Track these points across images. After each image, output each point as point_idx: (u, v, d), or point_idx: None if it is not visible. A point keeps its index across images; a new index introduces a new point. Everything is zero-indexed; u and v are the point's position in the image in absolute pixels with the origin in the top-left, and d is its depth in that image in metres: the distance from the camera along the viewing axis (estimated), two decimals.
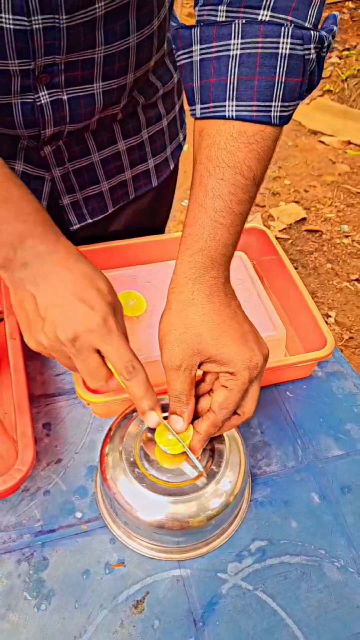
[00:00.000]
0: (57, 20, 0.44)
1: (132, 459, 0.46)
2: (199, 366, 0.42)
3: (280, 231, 1.99)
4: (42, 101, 0.50)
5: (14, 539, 0.47)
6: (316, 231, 2.00)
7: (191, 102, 0.44)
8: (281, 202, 2.11)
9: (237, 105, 0.40)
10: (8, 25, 0.43)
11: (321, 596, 0.45)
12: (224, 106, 0.40)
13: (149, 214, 0.73)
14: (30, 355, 0.60)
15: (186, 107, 0.47)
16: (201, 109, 0.42)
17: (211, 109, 0.41)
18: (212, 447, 0.47)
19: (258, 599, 0.45)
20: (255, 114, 0.40)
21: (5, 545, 0.47)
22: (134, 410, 0.50)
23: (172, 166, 0.72)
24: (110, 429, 0.50)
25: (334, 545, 0.48)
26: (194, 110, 0.43)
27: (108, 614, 0.44)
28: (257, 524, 0.50)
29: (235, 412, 0.43)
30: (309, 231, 2.00)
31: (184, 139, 0.74)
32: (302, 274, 1.79)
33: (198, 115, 0.43)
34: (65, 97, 0.51)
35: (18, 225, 0.42)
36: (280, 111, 0.40)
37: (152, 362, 0.56)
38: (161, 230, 0.81)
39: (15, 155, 0.57)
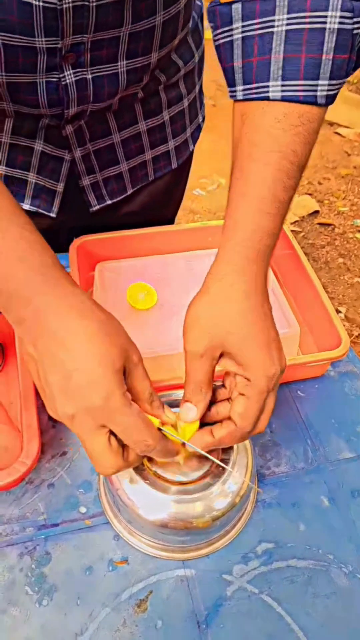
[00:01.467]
0: (86, 0, 0.43)
1: None
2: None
3: (292, 224, 1.96)
4: (67, 80, 0.50)
5: (17, 532, 0.47)
6: (329, 225, 1.97)
7: (231, 84, 0.42)
8: None
9: (282, 85, 0.38)
10: (37, 3, 0.42)
11: (328, 602, 0.44)
12: (268, 87, 0.39)
13: (164, 197, 0.72)
14: None
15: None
16: (243, 90, 0.40)
17: (254, 90, 0.39)
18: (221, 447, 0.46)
19: (263, 603, 0.44)
20: (301, 93, 0.38)
21: (8, 538, 0.46)
22: None
23: (191, 148, 0.71)
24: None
25: (342, 550, 0.47)
26: (235, 91, 0.41)
27: (110, 612, 0.43)
28: (264, 525, 0.48)
29: None
30: (321, 224, 1.97)
31: (203, 120, 0.73)
32: (313, 268, 1.76)
33: (239, 97, 0.41)
34: (89, 77, 0.51)
35: (13, 268, 0.35)
36: (327, 90, 0.38)
37: (162, 357, 0.55)
38: (172, 217, 0.80)
39: (35, 134, 0.56)
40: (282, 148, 0.38)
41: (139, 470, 0.44)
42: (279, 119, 0.38)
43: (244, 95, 0.40)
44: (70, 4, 0.43)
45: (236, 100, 0.41)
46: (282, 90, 0.38)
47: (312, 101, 0.38)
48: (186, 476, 0.44)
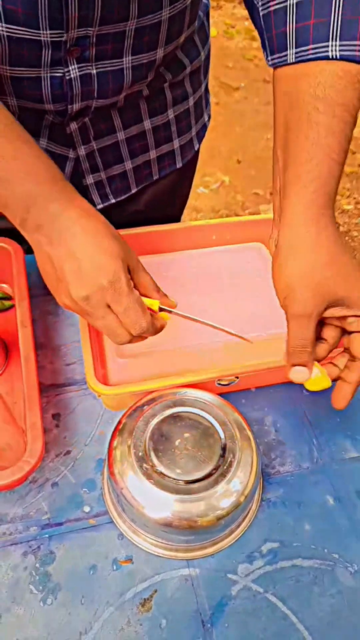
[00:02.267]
0: None
1: (140, 454, 0.45)
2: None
3: None
4: (72, 75, 0.50)
5: (21, 531, 0.46)
6: None
7: (281, 48, 0.43)
8: None
9: (340, 45, 0.40)
10: None
11: (333, 601, 0.44)
12: (327, 46, 0.40)
13: (169, 196, 0.72)
14: (40, 344, 0.59)
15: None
16: (297, 52, 0.42)
17: (311, 51, 0.41)
18: (224, 446, 0.46)
19: (268, 602, 0.44)
20: (358, 53, 0.40)
21: (12, 537, 0.46)
22: (145, 404, 0.49)
23: (196, 147, 0.71)
24: (119, 422, 0.48)
25: (348, 549, 0.47)
26: (284, 56, 0.43)
27: (114, 611, 0.43)
28: (269, 525, 0.48)
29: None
30: None
31: (209, 119, 0.72)
32: None
33: (291, 60, 0.42)
34: (94, 72, 0.51)
35: (29, 185, 0.41)
36: None
37: (172, 351, 0.55)
38: (178, 216, 0.79)
39: (40, 132, 0.56)
40: (346, 101, 0.40)
41: (144, 469, 0.44)
42: (340, 76, 0.40)
43: (298, 57, 0.42)
44: None
45: (284, 65, 0.43)
46: (340, 50, 0.40)
47: None
48: (191, 475, 0.44)
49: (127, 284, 0.42)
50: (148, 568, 0.45)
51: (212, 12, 2.83)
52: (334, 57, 0.40)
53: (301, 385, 0.58)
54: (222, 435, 0.47)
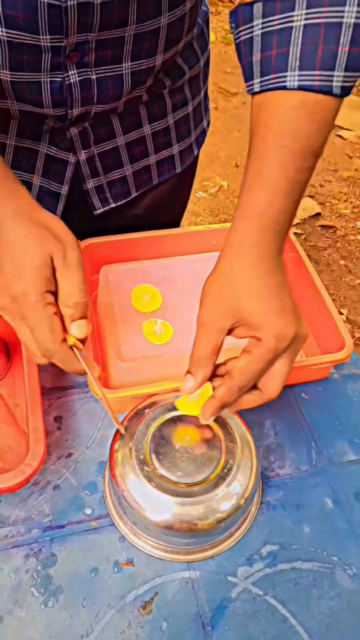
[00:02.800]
0: None
1: (142, 457, 0.46)
2: (229, 332, 0.41)
3: (294, 226, 1.97)
4: (71, 80, 0.50)
5: (22, 534, 0.47)
6: (330, 227, 1.97)
7: (249, 78, 0.43)
8: None
9: (299, 75, 0.40)
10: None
11: (332, 604, 0.45)
12: (286, 76, 0.40)
13: (169, 200, 0.73)
14: None
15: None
16: (261, 81, 0.42)
17: (272, 81, 0.41)
18: (224, 449, 0.46)
19: (268, 605, 0.44)
20: (317, 83, 0.40)
21: (14, 539, 0.46)
22: (146, 407, 0.49)
23: (195, 152, 0.72)
24: (121, 425, 0.49)
25: (347, 552, 0.47)
26: (252, 85, 0.43)
27: (116, 614, 0.43)
28: (268, 527, 0.49)
29: (256, 387, 0.41)
30: (323, 227, 1.98)
31: (208, 125, 0.73)
32: (315, 270, 1.77)
33: (256, 89, 0.43)
34: (94, 77, 0.51)
35: None
36: (343, 81, 0.40)
37: (173, 354, 0.56)
38: (177, 221, 0.80)
39: (40, 136, 0.57)
40: (297, 133, 0.40)
41: (145, 472, 0.45)
42: (294, 106, 0.40)
43: (262, 86, 0.42)
44: (75, 2, 0.43)
45: (253, 93, 0.43)
46: (299, 80, 0.40)
47: (327, 91, 0.40)
48: (191, 478, 0.45)
49: (36, 297, 0.38)
50: (149, 570, 0.46)
51: (211, 18, 2.83)
52: (292, 87, 0.40)
53: (300, 389, 0.59)
54: (222, 439, 0.47)
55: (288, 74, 0.40)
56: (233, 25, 0.44)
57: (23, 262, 0.39)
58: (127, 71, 0.53)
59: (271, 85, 0.41)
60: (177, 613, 0.43)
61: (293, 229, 2.07)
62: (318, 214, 2.01)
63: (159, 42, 0.52)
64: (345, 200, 2.08)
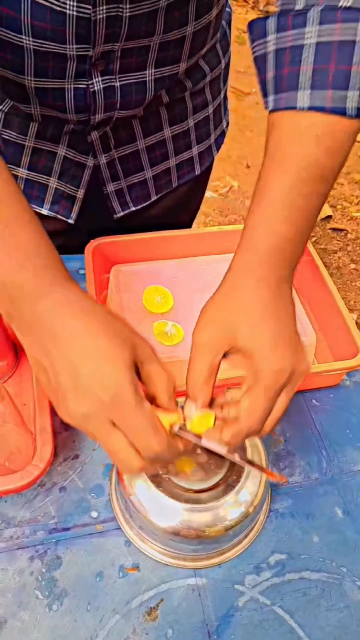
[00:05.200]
0: (120, 10, 0.44)
1: None
2: (224, 356, 0.39)
3: None
4: (96, 87, 0.50)
5: (28, 535, 0.46)
6: (341, 230, 1.96)
7: (264, 94, 0.42)
8: None
9: (310, 95, 0.38)
10: (71, 12, 0.42)
11: (341, 616, 0.44)
12: (296, 97, 0.38)
13: (185, 202, 0.72)
14: None
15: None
16: (274, 100, 0.41)
17: (283, 100, 0.40)
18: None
19: (275, 615, 0.43)
20: (329, 104, 0.38)
21: (19, 541, 0.46)
22: None
23: (215, 154, 0.71)
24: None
25: (356, 563, 0.47)
26: (267, 102, 0.42)
27: (120, 619, 0.43)
28: (277, 536, 0.48)
29: None
30: (333, 230, 1.96)
31: (227, 125, 0.72)
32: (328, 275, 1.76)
33: (270, 107, 0.41)
34: (117, 84, 0.51)
35: (13, 273, 0.35)
36: (358, 102, 0.38)
37: (179, 361, 0.55)
38: (190, 222, 0.79)
39: (59, 139, 0.56)
40: (305, 158, 0.38)
41: (153, 476, 0.44)
42: (301, 130, 0.39)
43: (274, 105, 0.41)
44: (104, 15, 0.43)
45: (270, 111, 0.42)
46: (310, 100, 0.38)
47: (340, 112, 0.38)
48: (199, 485, 0.44)
49: (133, 397, 0.34)
50: (155, 576, 0.45)
51: None
52: (303, 107, 0.38)
53: (311, 395, 0.58)
54: None
55: (299, 93, 0.38)
56: (251, 38, 0.43)
57: (107, 361, 0.34)
58: (150, 78, 0.52)
59: (282, 105, 0.40)
60: (183, 620, 0.43)
61: None
62: (329, 217, 2.00)
63: (184, 49, 0.52)
64: (357, 203, 2.06)
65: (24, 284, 0.35)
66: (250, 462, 0.43)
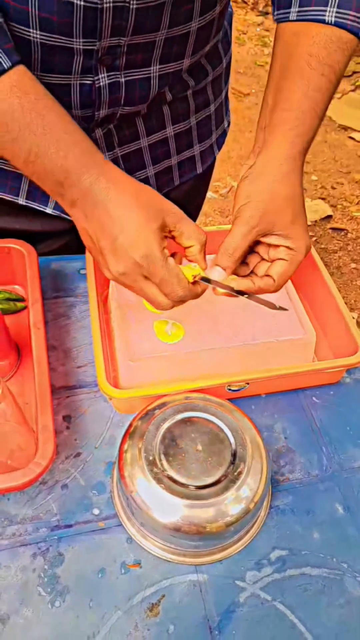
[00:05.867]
0: (127, 1, 0.44)
1: (151, 458, 0.45)
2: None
3: None
4: (101, 83, 0.51)
5: (30, 532, 0.47)
6: (341, 230, 1.96)
7: (286, 5, 0.47)
8: (307, 198, 2.07)
9: (337, 12, 0.45)
10: (79, 2, 0.43)
11: (342, 611, 0.44)
12: (325, 11, 0.45)
13: (186, 201, 0.72)
14: (52, 346, 0.60)
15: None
16: (299, 11, 0.46)
17: (311, 12, 0.45)
18: (234, 452, 0.46)
19: (276, 610, 0.44)
20: (350, 23, 0.45)
21: (21, 538, 0.46)
22: (156, 408, 0.49)
23: (216, 153, 0.72)
24: (130, 425, 0.48)
25: (357, 559, 0.47)
26: (287, 13, 0.47)
27: (122, 615, 0.43)
28: (277, 532, 0.48)
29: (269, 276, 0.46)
30: (334, 229, 1.96)
31: (228, 125, 0.73)
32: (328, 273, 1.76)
33: (293, 18, 0.47)
34: (122, 80, 0.51)
35: (59, 160, 0.42)
36: None
37: (183, 355, 0.55)
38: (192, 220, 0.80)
39: None
40: (334, 64, 0.45)
41: (154, 473, 0.44)
42: (332, 40, 0.45)
43: (299, 15, 0.46)
44: (111, 4, 0.44)
45: (286, 21, 0.47)
46: (336, 16, 0.45)
47: (356, 32, 0.45)
48: (201, 481, 0.44)
49: (160, 256, 0.42)
50: (156, 573, 0.45)
51: None
52: (329, 22, 0.45)
53: (311, 393, 0.59)
54: (233, 441, 0.47)
55: (327, 9, 0.44)
56: None
57: (138, 227, 0.42)
58: (155, 74, 0.53)
59: (310, 16, 0.45)
60: (184, 616, 0.43)
61: None
62: (329, 217, 2.00)
63: (188, 45, 0.53)
64: (357, 203, 2.06)
65: (68, 168, 0.42)
66: (250, 296, 0.48)
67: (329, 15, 0.45)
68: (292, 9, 0.46)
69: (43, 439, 0.45)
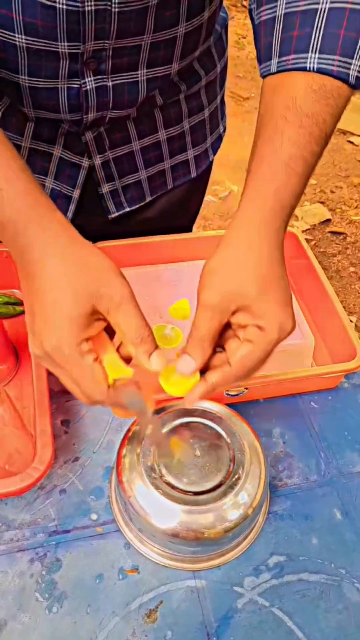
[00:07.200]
0: (108, 4, 0.44)
1: (149, 463, 0.45)
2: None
3: (303, 232, 1.96)
4: (88, 87, 0.51)
5: (28, 538, 0.46)
6: (340, 233, 1.97)
7: (266, 58, 0.43)
8: (306, 202, 2.07)
9: (319, 58, 0.40)
10: (61, 6, 0.43)
11: (340, 617, 0.44)
12: (306, 58, 0.40)
13: (182, 204, 0.73)
14: None
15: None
16: (279, 62, 0.42)
17: (291, 61, 0.41)
18: (232, 457, 0.46)
19: (274, 616, 0.44)
20: (336, 68, 0.40)
21: (19, 543, 0.46)
22: (157, 412, 0.49)
23: (211, 158, 0.72)
24: (129, 430, 0.48)
25: (355, 565, 0.47)
26: (268, 66, 0.43)
27: (120, 621, 0.43)
28: (275, 538, 0.48)
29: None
30: (333, 233, 1.97)
31: (224, 130, 0.73)
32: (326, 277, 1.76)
33: (273, 70, 0.42)
34: (110, 84, 0.52)
35: (8, 210, 0.37)
36: (359, 71, 0.40)
37: None
38: (189, 225, 0.80)
39: (55, 140, 0.57)
40: (315, 115, 0.40)
41: (152, 478, 0.44)
42: (314, 89, 0.40)
43: (279, 66, 0.42)
44: (93, 7, 0.44)
45: (269, 74, 0.43)
46: (319, 63, 0.40)
47: (344, 78, 0.40)
48: (199, 486, 0.44)
49: (72, 350, 0.36)
50: (154, 578, 0.45)
51: None
52: (311, 69, 0.40)
53: (309, 398, 0.59)
54: (231, 447, 0.47)
55: (309, 55, 0.40)
56: (254, 5, 0.44)
57: (54, 314, 0.36)
58: (142, 78, 0.53)
59: (290, 66, 0.41)
60: (182, 622, 0.43)
61: (302, 235, 2.07)
62: (328, 220, 2.00)
63: (176, 50, 0.52)
64: (356, 207, 2.06)
65: (12, 219, 0.37)
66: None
67: (310, 62, 0.40)
68: (273, 61, 0.42)
69: (41, 443, 0.45)
